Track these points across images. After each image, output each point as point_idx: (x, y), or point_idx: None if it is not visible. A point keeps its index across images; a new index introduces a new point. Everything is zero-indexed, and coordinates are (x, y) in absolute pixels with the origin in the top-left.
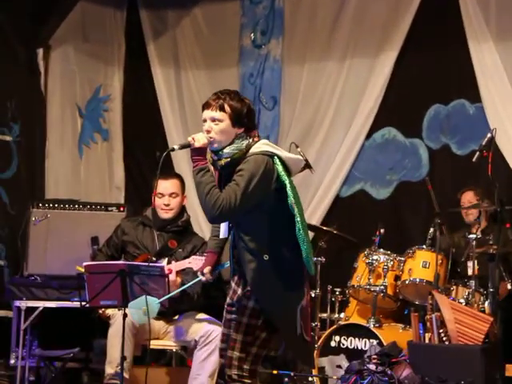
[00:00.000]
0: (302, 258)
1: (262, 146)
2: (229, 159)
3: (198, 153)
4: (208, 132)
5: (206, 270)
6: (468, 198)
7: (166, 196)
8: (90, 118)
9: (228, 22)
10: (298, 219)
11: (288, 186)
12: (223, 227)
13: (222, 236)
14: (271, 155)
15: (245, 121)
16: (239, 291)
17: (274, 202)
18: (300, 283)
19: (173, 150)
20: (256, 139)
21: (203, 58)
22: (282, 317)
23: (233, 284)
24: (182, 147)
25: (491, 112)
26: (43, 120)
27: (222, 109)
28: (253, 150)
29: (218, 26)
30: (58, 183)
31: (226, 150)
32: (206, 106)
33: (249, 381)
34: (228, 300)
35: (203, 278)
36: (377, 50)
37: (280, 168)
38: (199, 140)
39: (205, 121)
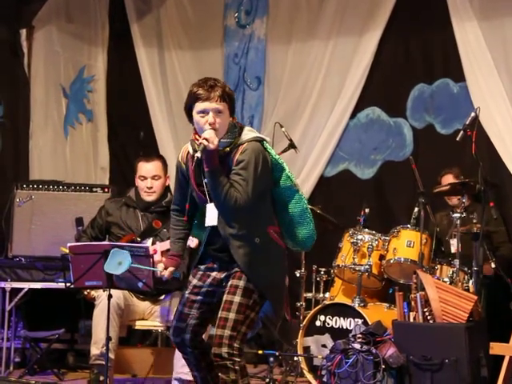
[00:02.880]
0: (296, 237)
1: (249, 132)
2: (228, 148)
3: (214, 153)
4: (213, 124)
5: (169, 270)
6: (448, 181)
7: (148, 178)
8: (74, 98)
9: (212, 1)
10: (303, 197)
11: (286, 167)
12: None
13: (211, 224)
14: (261, 140)
15: (235, 108)
16: (217, 275)
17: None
18: (285, 263)
19: (198, 158)
20: (239, 125)
21: (187, 38)
22: (274, 295)
23: (202, 267)
24: (202, 153)
25: (475, 91)
26: (27, 101)
27: (224, 99)
28: (243, 137)
29: (202, 6)
30: (42, 164)
31: (222, 140)
32: (205, 97)
33: (238, 359)
34: (195, 281)
35: (161, 273)
36: (361, 30)
37: (273, 152)
38: (213, 140)
39: (203, 112)
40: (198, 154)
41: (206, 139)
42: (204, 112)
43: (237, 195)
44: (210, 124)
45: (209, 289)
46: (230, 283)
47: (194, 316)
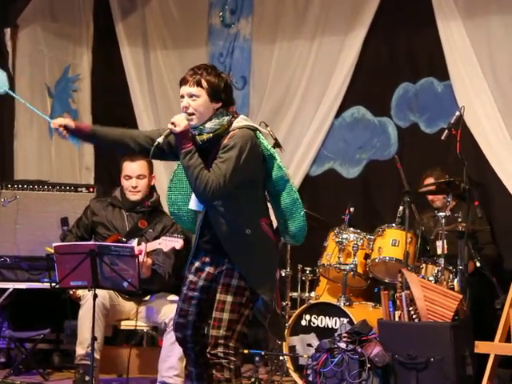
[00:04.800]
0: (288, 229)
1: (243, 120)
2: (211, 134)
3: (182, 136)
4: (186, 108)
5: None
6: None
7: (133, 178)
8: (59, 98)
9: (196, 1)
10: (294, 188)
11: (277, 158)
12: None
13: (195, 208)
14: (254, 129)
15: (222, 95)
16: (210, 270)
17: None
18: (276, 256)
19: (158, 144)
20: (235, 115)
21: (172, 37)
22: (266, 290)
23: (197, 263)
24: (166, 137)
25: (459, 90)
26: (12, 100)
27: (199, 84)
28: (235, 124)
29: (187, 5)
30: (27, 164)
31: (207, 125)
32: (183, 81)
33: (234, 358)
34: (191, 277)
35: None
36: (346, 29)
37: (265, 142)
38: (180, 123)
39: (182, 97)
40: (160, 140)
41: (173, 123)
42: (182, 96)
43: (209, 178)
44: (182, 108)
45: (204, 284)
46: (221, 282)
47: (192, 312)
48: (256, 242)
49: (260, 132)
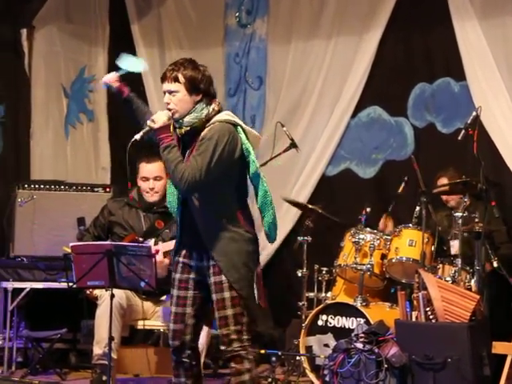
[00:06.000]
0: (263, 226)
1: (225, 115)
2: (188, 128)
3: (161, 132)
4: (168, 104)
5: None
6: (443, 183)
7: (150, 180)
8: (75, 98)
9: (212, 1)
10: (265, 183)
11: (252, 153)
12: None
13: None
14: (235, 124)
15: (201, 87)
16: (197, 264)
17: (238, 171)
18: (255, 250)
19: (136, 140)
20: (217, 108)
21: (188, 38)
22: (244, 285)
23: (180, 259)
24: (145, 133)
25: (476, 90)
26: (28, 101)
27: (176, 80)
28: (216, 118)
29: (203, 6)
30: (44, 164)
31: (185, 119)
32: (163, 78)
33: (250, 349)
34: (179, 276)
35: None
36: (362, 28)
37: (243, 137)
38: (158, 120)
39: (165, 93)
40: (137, 136)
41: (153, 120)
42: (164, 92)
43: (185, 171)
44: (166, 103)
45: (194, 278)
46: (212, 281)
47: (190, 314)
48: (232, 234)
49: (242, 128)
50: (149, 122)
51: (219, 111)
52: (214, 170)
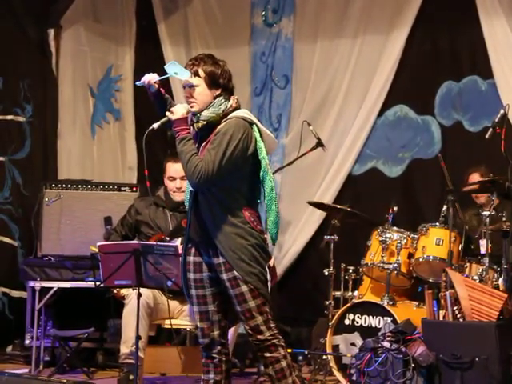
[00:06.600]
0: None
1: (242, 113)
2: (205, 122)
3: (178, 123)
4: (187, 97)
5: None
6: (474, 179)
7: (177, 179)
8: (101, 98)
9: (239, 0)
10: (271, 180)
11: (264, 151)
12: None
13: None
14: (251, 122)
15: (220, 82)
16: (208, 260)
17: (249, 169)
18: (264, 245)
19: (153, 129)
20: (234, 105)
21: (214, 36)
22: (256, 278)
23: (191, 258)
24: (163, 124)
25: (503, 88)
26: (55, 100)
27: (196, 74)
28: (233, 114)
29: (229, 5)
30: (71, 164)
31: (203, 113)
32: None
33: (280, 336)
34: (192, 275)
35: None
36: (388, 27)
37: (257, 135)
38: (177, 112)
39: (184, 87)
40: (155, 125)
41: (171, 111)
42: (184, 86)
43: (198, 164)
44: (185, 97)
45: (209, 276)
46: (226, 277)
47: (214, 311)
48: (239, 230)
49: (258, 127)
50: (167, 113)
51: (236, 108)
52: (227, 164)
